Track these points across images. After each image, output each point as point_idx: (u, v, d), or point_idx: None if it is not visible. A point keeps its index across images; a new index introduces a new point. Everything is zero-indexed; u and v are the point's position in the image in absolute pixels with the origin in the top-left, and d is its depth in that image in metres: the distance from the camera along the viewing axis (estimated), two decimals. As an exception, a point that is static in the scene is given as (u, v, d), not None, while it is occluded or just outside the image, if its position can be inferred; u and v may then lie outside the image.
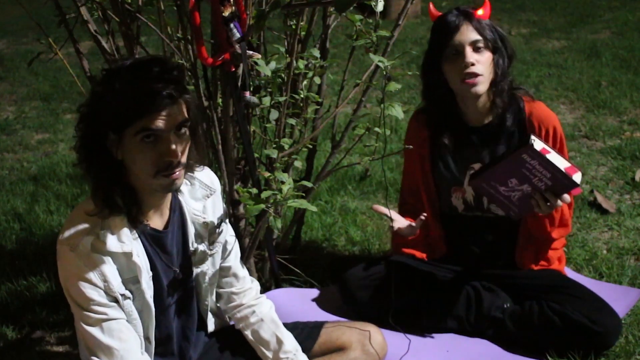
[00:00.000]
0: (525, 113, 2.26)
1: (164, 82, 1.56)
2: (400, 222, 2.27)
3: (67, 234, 1.60)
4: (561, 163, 2.00)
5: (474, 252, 2.37)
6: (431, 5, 2.33)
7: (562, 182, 2.01)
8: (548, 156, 1.97)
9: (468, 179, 2.24)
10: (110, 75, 1.58)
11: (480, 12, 2.19)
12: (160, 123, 1.56)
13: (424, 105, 2.38)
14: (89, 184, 1.66)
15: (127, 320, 1.66)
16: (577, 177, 2.01)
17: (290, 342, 1.91)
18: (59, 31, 2.39)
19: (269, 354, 1.91)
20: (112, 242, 1.61)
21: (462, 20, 2.17)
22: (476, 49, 2.17)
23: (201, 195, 1.82)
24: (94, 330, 1.61)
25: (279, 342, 1.90)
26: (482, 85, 2.18)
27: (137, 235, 1.66)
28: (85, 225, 1.60)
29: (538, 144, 1.97)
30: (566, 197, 2.05)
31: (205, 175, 1.83)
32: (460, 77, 2.18)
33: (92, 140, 1.59)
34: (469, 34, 2.16)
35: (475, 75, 2.16)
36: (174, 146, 1.58)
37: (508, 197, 2.10)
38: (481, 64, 2.17)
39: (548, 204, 2.05)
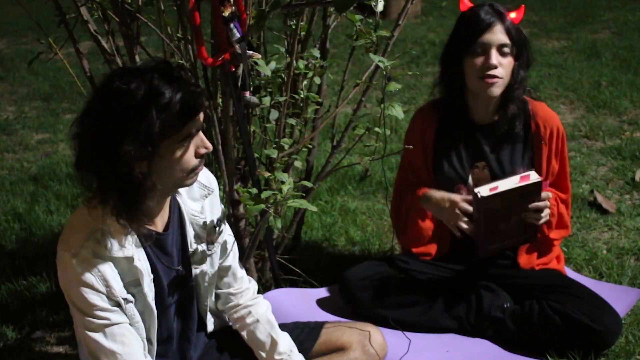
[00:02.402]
0: (530, 114, 2.28)
1: (193, 84, 1.58)
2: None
3: (67, 239, 1.59)
4: (514, 181, 2.08)
5: (475, 253, 2.36)
6: None
7: (530, 191, 2.09)
8: (500, 190, 2.06)
9: (478, 252, 2.23)
10: (151, 92, 1.50)
11: (513, 14, 2.18)
12: (200, 122, 1.59)
13: (439, 96, 2.37)
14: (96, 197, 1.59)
15: (129, 324, 1.65)
16: (533, 176, 2.09)
17: (284, 343, 1.91)
18: (59, 31, 2.39)
19: (264, 355, 1.90)
20: (113, 247, 1.60)
21: (496, 20, 2.16)
22: (501, 52, 2.17)
23: (199, 195, 1.81)
24: (97, 336, 1.61)
25: (274, 343, 1.90)
26: (498, 88, 2.20)
27: (137, 239, 1.65)
28: (85, 231, 1.59)
29: (484, 190, 2.06)
30: (545, 194, 2.13)
31: (203, 175, 1.81)
32: (479, 74, 2.19)
33: (119, 159, 1.50)
34: (499, 35, 2.16)
35: (495, 77, 2.17)
36: (205, 139, 1.62)
37: (511, 234, 2.18)
38: (503, 67, 2.18)
39: (541, 214, 2.13)
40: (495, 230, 2.15)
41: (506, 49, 2.17)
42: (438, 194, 2.27)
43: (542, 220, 2.15)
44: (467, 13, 2.23)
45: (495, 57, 2.16)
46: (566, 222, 2.34)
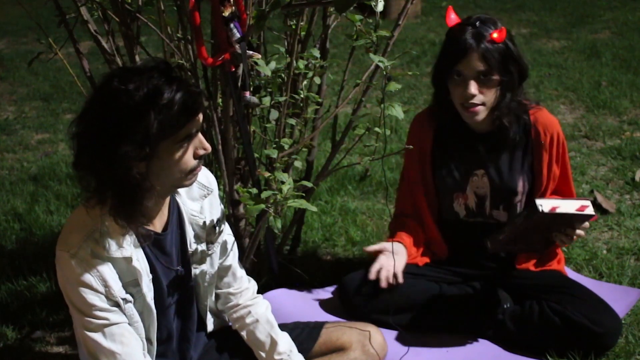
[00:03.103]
0: (530, 121, 2.27)
1: (192, 84, 1.57)
2: (387, 266, 2.24)
3: (66, 239, 1.59)
4: (572, 206, 2.00)
5: (475, 258, 2.36)
6: (450, 10, 2.22)
7: (577, 220, 2.05)
8: (559, 210, 1.97)
9: (489, 244, 2.17)
10: (150, 92, 1.50)
11: (495, 35, 2.11)
12: (199, 123, 1.59)
13: (433, 107, 2.36)
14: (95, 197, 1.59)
15: (128, 324, 1.65)
16: (589, 210, 2.01)
17: (284, 343, 1.91)
18: (59, 31, 2.39)
19: (263, 355, 1.90)
20: (111, 248, 1.60)
21: (472, 45, 2.10)
22: (480, 79, 2.13)
23: (198, 195, 1.81)
24: (96, 336, 1.61)
25: (273, 343, 1.90)
26: (481, 114, 2.18)
27: (136, 239, 1.65)
28: (84, 231, 1.59)
29: (546, 205, 1.97)
30: (586, 225, 2.09)
31: (202, 175, 1.80)
32: (460, 102, 2.18)
33: (118, 159, 1.50)
34: (475, 63, 2.11)
35: (476, 105, 2.16)
36: (204, 140, 1.61)
37: (529, 243, 2.17)
38: (484, 94, 2.14)
39: (569, 237, 2.09)
40: (524, 237, 2.13)
41: (485, 74, 2.13)
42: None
43: (563, 244, 2.14)
44: (449, 34, 2.19)
45: (472, 87, 2.12)
46: None
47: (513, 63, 2.16)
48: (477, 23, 2.14)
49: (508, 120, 2.22)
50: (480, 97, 2.15)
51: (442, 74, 2.21)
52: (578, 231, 2.08)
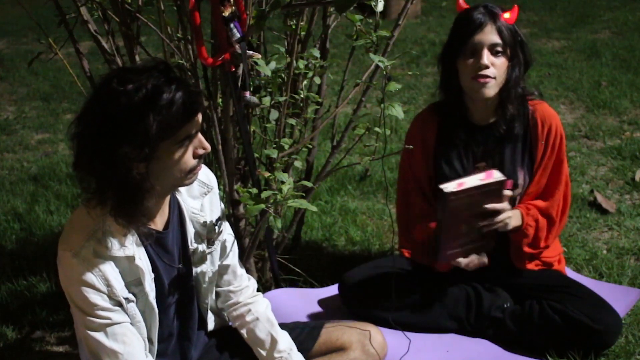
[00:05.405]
0: (529, 112, 2.28)
1: (191, 84, 1.57)
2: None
3: (68, 239, 1.59)
4: (477, 179, 2.07)
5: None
6: None
7: (492, 190, 2.08)
8: (466, 186, 2.04)
9: (437, 265, 2.24)
10: (149, 93, 1.50)
11: (507, 15, 2.16)
12: (199, 123, 1.59)
13: (439, 98, 2.37)
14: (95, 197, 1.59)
15: (130, 323, 1.65)
16: (496, 175, 2.08)
17: (284, 342, 1.91)
18: (59, 31, 2.39)
19: (263, 353, 1.90)
20: (114, 247, 1.60)
21: (487, 20, 2.15)
22: (494, 52, 2.15)
23: (199, 193, 1.82)
24: (98, 335, 1.61)
25: (274, 341, 1.90)
26: (491, 89, 2.18)
27: (138, 238, 1.65)
28: (86, 230, 1.59)
29: (450, 186, 2.03)
30: (507, 193, 2.13)
31: (202, 173, 1.81)
32: (471, 75, 2.17)
33: (117, 160, 1.50)
34: (490, 35, 2.14)
35: (487, 77, 2.16)
36: (203, 140, 1.62)
37: (470, 239, 2.17)
38: (495, 67, 2.16)
39: (500, 217, 2.12)
40: (456, 232, 2.13)
41: (498, 49, 2.15)
42: None
43: (496, 227, 2.14)
44: (461, 14, 2.22)
45: (486, 57, 2.15)
46: (541, 242, 2.30)
47: (520, 47, 2.21)
48: (489, 5, 2.20)
49: (513, 108, 2.22)
50: (492, 70, 2.16)
51: (452, 52, 2.21)
52: (497, 205, 2.10)
